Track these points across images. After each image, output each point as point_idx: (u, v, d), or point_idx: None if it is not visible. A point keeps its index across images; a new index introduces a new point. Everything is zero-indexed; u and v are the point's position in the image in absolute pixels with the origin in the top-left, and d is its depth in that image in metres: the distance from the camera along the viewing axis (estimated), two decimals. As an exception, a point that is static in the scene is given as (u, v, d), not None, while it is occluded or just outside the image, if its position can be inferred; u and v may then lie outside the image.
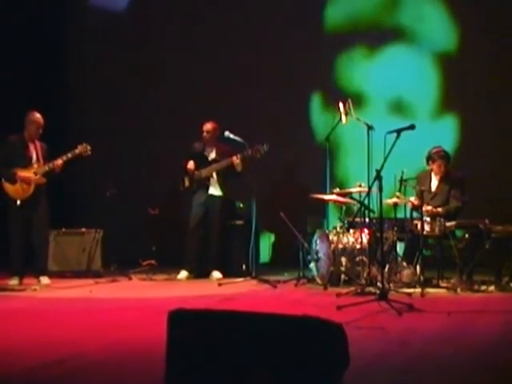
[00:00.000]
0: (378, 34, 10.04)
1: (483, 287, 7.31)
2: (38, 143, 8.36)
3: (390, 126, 6.69)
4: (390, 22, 10.05)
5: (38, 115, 8.35)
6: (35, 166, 8.25)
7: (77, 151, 8.34)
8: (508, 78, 9.54)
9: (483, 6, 9.61)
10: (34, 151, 8.31)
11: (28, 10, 10.41)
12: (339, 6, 10.27)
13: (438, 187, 7.98)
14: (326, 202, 8.54)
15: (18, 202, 8.15)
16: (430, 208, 7.67)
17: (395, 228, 7.60)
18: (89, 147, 8.37)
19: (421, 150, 8.20)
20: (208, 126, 8.89)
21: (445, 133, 9.63)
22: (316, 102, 10.31)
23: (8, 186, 8.20)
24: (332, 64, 10.21)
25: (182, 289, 8.03)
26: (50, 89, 10.43)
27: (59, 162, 8.23)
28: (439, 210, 7.72)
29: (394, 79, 9.90)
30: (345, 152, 9.78)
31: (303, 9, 10.26)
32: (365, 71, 10.11)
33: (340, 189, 8.28)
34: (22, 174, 8.17)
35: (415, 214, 7.78)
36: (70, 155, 8.30)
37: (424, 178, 8.05)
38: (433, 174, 8.02)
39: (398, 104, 9.96)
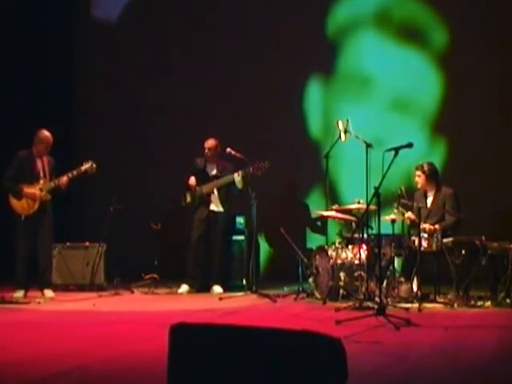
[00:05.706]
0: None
1: (479, 303, 7.33)
2: (45, 159, 8.40)
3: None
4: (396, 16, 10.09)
5: (47, 134, 8.37)
6: (41, 182, 8.30)
7: (82, 168, 8.38)
8: (508, 90, 9.58)
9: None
10: (41, 167, 8.36)
11: (33, 28, 10.50)
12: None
13: (432, 204, 7.97)
14: (325, 218, 8.61)
15: (23, 217, 8.22)
16: (427, 226, 7.66)
17: (393, 244, 7.66)
18: (95, 165, 8.40)
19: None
20: (210, 143, 8.92)
21: (438, 149, 9.72)
22: (318, 117, 10.40)
23: (14, 201, 8.27)
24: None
25: (184, 303, 8.05)
26: (56, 103, 10.47)
27: (64, 179, 8.27)
28: (436, 227, 7.70)
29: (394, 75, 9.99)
30: (344, 168, 9.86)
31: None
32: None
33: (339, 205, 8.38)
34: (28, 190, 8.22)
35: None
36: (75, 172, 8.34)
37: (420, 196, 8.08)
38: (428, 192, 8.02)
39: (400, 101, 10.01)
